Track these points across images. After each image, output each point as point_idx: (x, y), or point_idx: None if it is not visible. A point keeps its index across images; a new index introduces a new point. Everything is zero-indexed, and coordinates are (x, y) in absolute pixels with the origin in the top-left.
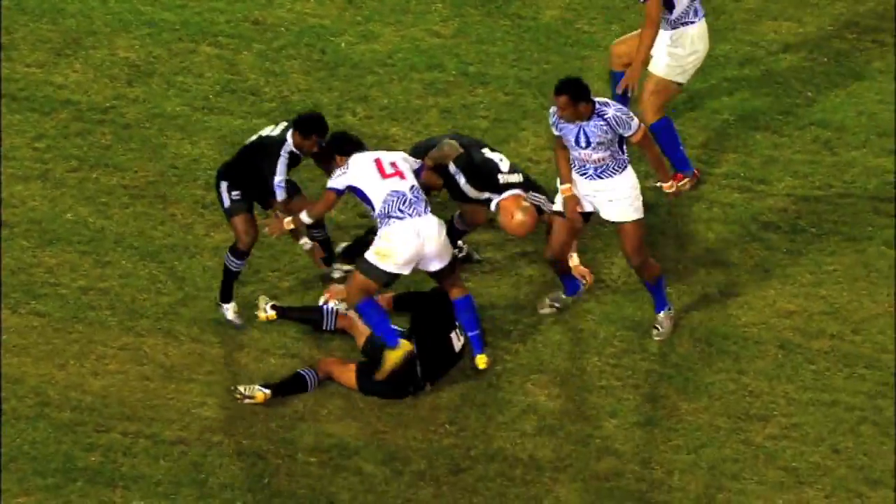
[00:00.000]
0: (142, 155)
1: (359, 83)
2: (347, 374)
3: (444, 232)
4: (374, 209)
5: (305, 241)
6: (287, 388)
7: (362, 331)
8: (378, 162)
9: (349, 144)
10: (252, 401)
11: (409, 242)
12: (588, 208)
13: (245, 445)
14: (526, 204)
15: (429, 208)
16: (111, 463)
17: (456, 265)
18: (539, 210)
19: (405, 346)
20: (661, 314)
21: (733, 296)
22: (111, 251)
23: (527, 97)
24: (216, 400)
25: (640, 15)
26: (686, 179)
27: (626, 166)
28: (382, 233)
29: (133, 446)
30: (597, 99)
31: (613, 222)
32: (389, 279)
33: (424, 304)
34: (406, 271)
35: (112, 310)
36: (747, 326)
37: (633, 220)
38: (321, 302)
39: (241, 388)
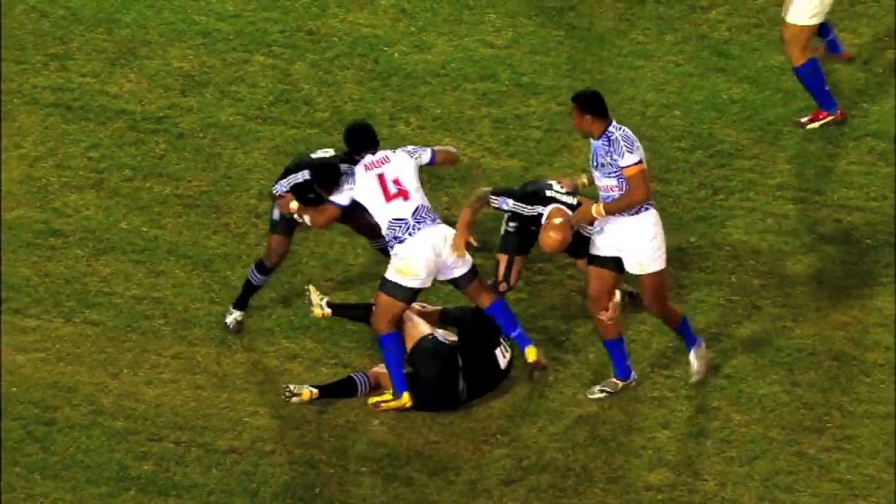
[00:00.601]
0: (195, 164)
1: (412, 93)
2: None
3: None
4: (381, 234)
5: (296, 205)
6: (336, 390)
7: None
8: (381, 179)
9: (365, 140)
10: (299, 399)
11: (425, 254)
12: (613, 252)
13: (297, 455)
14: (560, 221)
15: (437, 219)
16: (164, 472)
17: (477, 271)
18: (579, 233)
19: (406, 399)
20: (692, 353)
21: (787, 307)
22: (164, 260)
23: None
24: (268, 409)
25: (692, 25)
26: (830, 117)
27: (640, 212)
28: (396, 251)
29: (185, 455)
30: (614, 122)
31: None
32: (413, 295)
33: (470, 319)
34: (427, 283)
35: (165, 319)
36: (801, 338)
37: (651, 273)
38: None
39: (291, 387)
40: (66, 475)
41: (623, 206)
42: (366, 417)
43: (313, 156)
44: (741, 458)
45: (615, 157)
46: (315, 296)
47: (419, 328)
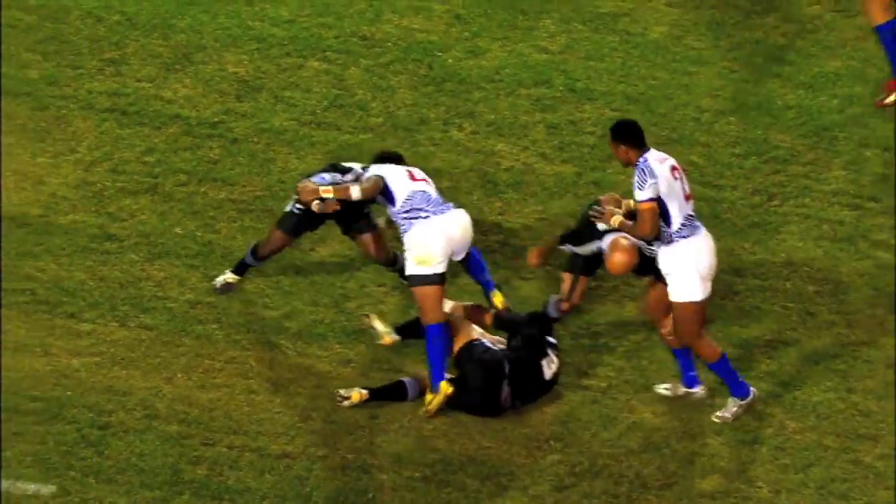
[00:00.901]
0: (250, 169)
1: (465, 99)
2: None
3: (468, 221)
4: (394, 205)
5: (317, 202)
6: (387, 393)
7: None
8: (409, 172)
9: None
10: (349, 402)
11: (438, 238)
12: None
13: (350, 460)
14: (627, 243)
15: (451, 206)
16: (217, 476)
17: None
18: (640, 251)
19: (444, 389)
20: (731, 401)
21: (841, 314)
22: (218, 265)
23: (634, 113)
24: (321, 414)
25: (747, 30)
26: None
27: (672, 241)
28: (409, 242)
29: (239, 460)
30: (653, 150)
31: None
32: (442, 278)
33: (522, 327)
34: (448, 260)
35: (219, 323)
36: (856, 345)
37: (676, 302)
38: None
39: (342, 391)
40: (120, 479)
41: (633, 236)
42: (419, 423)
43: (357, 166)
44: (795, 465)
45: (634, 186)
46: (378, 323)
47: (469, 331)
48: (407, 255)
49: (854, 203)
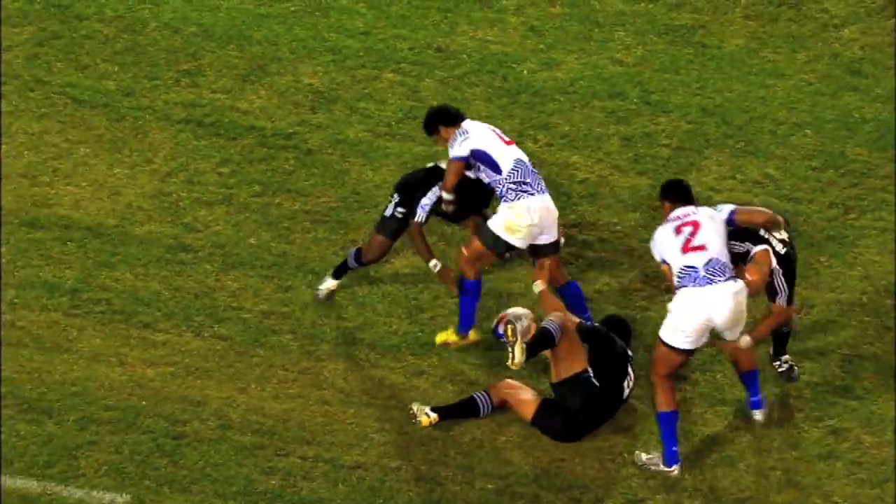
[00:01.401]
0: (324, 181)
1: (540, 110)
2: (525, 406)
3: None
4: (499, 173)
5: (435, 263)
6: (459, 411)
7: (521, 400)
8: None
9: (450, 113)
10: (417, 424)
11: (534, 217)
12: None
13: (423, 471)
14: (762, 267)
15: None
16: (291, 486)
17: (559, 246)
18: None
19: (472, 336)
20: (658, 456)
21: None
22: (293, 276)
23: (709, 126)
24: (394, 425)
25: (824, 43)
26: None
27: (680, 288)
28: (511, 206)
29: (312, 470)
30: (687, 209)
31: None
32: (508, 251)
33: (606, 346)
34: (524, 246)
35: (293, 334)
36: None
37: (660, 338)
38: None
39: (414, 407)
40: (194, 489)
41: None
42: (492, 435)
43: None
44: (872, 480)
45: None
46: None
47: (577, 358)
48: (502, 210)
49: None
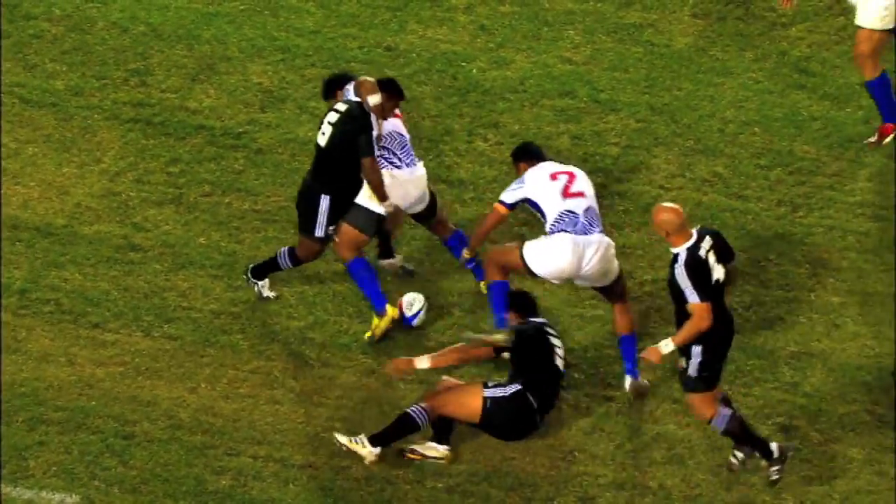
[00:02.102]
0: (274, 180)
1: (490, 109)
2: (466, 408)
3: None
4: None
5: (390, 203)
6: (395, 432)
7: (462, 404)
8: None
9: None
10: (360, 460)
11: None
12: None
13: (374, 470)
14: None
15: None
16: (241, 486)
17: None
18: None
19: (391, 313)
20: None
21: (867, 325)
22: (243, 275)
23: (658, 124)
24: (345, 424)
25: (772, 42)
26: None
27: (558, 232)
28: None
29: (263, 470)
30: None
31: None
32: (379, 223)
33: (526, 346)
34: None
35: (243, 334)
36: (882, 357)
37: (520, 255)
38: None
39: (342, 439)
40: (144, 489)
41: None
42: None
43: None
44: (821, 477)
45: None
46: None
47: (471, 395)
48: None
49: (879, 214)
